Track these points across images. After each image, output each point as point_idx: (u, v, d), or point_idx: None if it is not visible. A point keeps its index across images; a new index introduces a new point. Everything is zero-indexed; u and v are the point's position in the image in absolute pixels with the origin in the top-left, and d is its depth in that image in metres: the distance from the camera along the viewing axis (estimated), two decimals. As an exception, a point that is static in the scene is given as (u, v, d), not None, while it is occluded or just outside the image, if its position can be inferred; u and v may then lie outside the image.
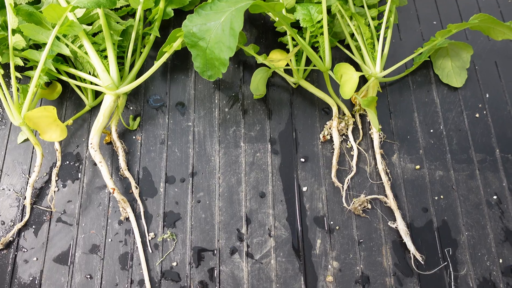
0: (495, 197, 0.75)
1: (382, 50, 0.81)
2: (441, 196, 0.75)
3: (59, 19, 0.65)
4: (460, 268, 0.69)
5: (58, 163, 0.72)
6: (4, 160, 0.76)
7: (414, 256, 0.69)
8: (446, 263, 0.70)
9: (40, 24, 0.70)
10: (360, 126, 0.80)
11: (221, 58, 0.62)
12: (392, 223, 0.71)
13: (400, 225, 0.71)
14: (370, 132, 0.79)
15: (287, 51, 0.84)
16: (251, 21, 0.91)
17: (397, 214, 0.71)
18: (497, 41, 0.90)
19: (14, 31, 0.68)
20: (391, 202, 0.72)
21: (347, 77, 0.74)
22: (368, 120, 0.80)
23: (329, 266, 0.69)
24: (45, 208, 0.72)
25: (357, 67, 0.85)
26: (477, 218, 0.73)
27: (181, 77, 0.85)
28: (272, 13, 0.67)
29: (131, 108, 0.81)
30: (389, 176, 0.76)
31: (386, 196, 0.73)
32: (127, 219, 0.71)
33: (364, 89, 0.80)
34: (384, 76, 0.81)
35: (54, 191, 0.72)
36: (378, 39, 0.81)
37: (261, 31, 0.90)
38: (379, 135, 0.78)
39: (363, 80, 0.85)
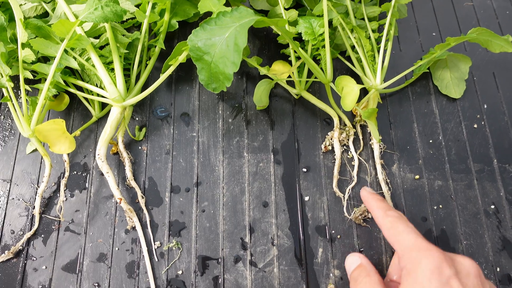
0: (492, 206, 0.77)
1: (383, 62, 0.83)
2: (440, 206, 0.76)
3: (68, 33, 0.67)
4: (459, 276, 0.71)
5: (67, 174, 0.73)
6: (13, 170, 0.78)
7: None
8: (444, 271, 0.71)
9: (49, 37, 0.72)
10: (361, 137, 0.81)
11: (225, 73, 0.64)
12: None
13: None
14: (370, 142, 0.81)
15: (290, 62, 0.86)
16: (254, 32, 0.93)
17: None
18: (494, 53, 0.91)
19: (23, 45, 0.70)
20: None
21: (348, 89, 0.76)
22: (368, 131, 0.82)
23: (331, 275, 0.71)
24: (54, 218, 0.74)
25: (358, 79, 0.86)
26: (475, 227, 0.75)
27: (185, 88, 0.86)
28: (275, 28, 0.69)
29: (137, 118, 0.83)
30: (389, 186, 0.78)
31: None
32: (134, 228, 0.73)
33: (365, 100, 0.82)
34: (384, 88, 0.82)
35: (63, 201, 0.73)
36: (378, 52, 0.83)
37: (264, 42, 0.92)
38: (380, 146, 0.80)
39: (363, 91, 0.87)
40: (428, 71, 0.88)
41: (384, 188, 0.76)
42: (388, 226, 0.61)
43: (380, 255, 0.72)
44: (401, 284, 0.55)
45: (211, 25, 0.65)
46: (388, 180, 0.78)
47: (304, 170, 0.79)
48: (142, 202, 0.74)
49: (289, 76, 0.83)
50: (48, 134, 0.66)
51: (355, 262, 0.66)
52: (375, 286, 0.59)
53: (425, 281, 0.52)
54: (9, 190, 0.76)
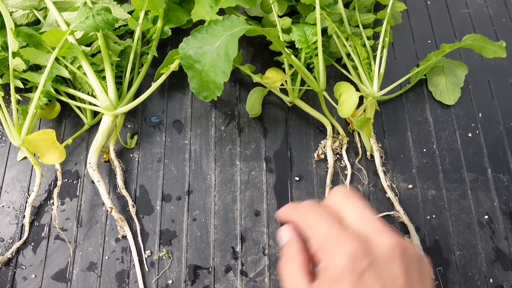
0: (486, 216, 0.76)
1: (379, 70, 0.82)
2: (433, 216, 0.76)
3: (58, 42, 0.67)
4: (451, 287, 0.71)
5: (59, 183, 0.73)
6: (4, 177, 0.77)
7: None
8: (437, 282, 0.71)
9: (40, 45, 0.72)
10: (359, 145, 0.81)
11: (216, 82, 0.64)
12: (408, 237, 0.73)
13: (414, 239, 0.72)
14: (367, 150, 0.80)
15: (283, 69, 0.85)
16: (247, 39, 0.93)
17: (411, 229, 0.73)
18: (490, 61, 0.91)
19: (14, 54, 0.70)
20: (403, 216, 0.74)
21: (346, 96, 0.75)
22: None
23: (322, 285, 0.71)
24: (61, 231, 0.73)
25: (354, 86, 0.86)
26: (468, 237, 0.74)
27: (178, 95, 0.86)
28: (267, 37, 0.68)
29: (129, 126, 0.83)
30: (396, 191, 0.77)
31: (390, 213, 0.76)
32: (124, 237, 0.72)
33: (362, 108, 0.81)
34: (381, 95, 0.82)
35: (54, 209, 0.73)
36: (374, 59, 0.82)
37: (258, 49, 0.92)
38: (380, 153, 0.79)
39: (359, 98, 0.86)
40: (424, 77, 0.87)
41: (391, 195, 0.75)
42: (300, 222, 0.50)
43: (372, 266, 0.72)
44: (316, 280, 0.47)
45: (202, 34, 0.65)
46: (394, 185, 0.78)
47: (297, 178, 0.79)
48: (132, 211, 0.73)
49: (283, 84, 0.83)
50: (37, 144, 0.65)
51: (284, 237, 0.54)
52: (295, 271, 0.49)
53: (337, 279, 0.44)
54: None
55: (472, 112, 0.85)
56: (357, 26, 0.85)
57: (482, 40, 0.79)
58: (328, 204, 0.51)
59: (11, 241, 0.73)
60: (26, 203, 0.74)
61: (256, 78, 0.80)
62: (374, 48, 0.85)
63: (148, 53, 0.83)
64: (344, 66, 0.87)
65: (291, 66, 0.82)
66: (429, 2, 0.99)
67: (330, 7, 0.83)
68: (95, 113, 0.82)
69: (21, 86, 0.72)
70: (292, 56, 0.77)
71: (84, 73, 0.73)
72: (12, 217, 0.74)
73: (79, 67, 0.74)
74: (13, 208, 0.75)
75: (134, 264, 0.71)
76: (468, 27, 0.96)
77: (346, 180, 0.78)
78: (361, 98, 0.85)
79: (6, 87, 0.83)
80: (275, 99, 0.86)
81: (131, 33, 0.90)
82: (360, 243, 0.45)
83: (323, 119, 0.81)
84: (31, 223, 0.74)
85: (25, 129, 0.69)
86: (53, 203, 0.74)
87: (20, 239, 0.72)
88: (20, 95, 0.76)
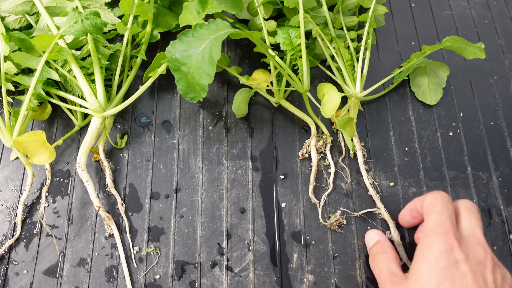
0: (465, 213, 0.78)
1: (362, 71, 0.84)
2: (414, 212, 0.78)
3: (48, 47, 0.69)
4: (430, 282, 0.73)
5: (48, 182, 0.76)
6: (-3, 176, 0.80)
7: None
8: (417, 277, 0.73)
9: (32, 49, 0.74)
10: (342, 144, 0.83)
11: (201, 84, 0.66)
12: (389, 233, 0.75)
13: (394, 235, 0.74)
14: (350, 149, 0.82)
15: (270, 71, 0.88)
16: (235, 41, 0.95)
17: (391, 225, 0.75)
18: (472, 62, 0.93)
19: (5, 58, 0.72)
20: (384, 213, 0.76)
21: (329, 97, 0.77)
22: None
23: (305, 279, 0.73)
24: (49, 230, 0.76)
25: (338, 87, 0.88)
26: (447, 233, 0.77)
27: (167, 96, 0.88)
28: (251, 39, 0.70)
29: (119, 126, 0.85)
30: (378, 189, 0.79)
31: (372, 210, 0.78)
32: (112, 235, 0.75)
33: (345, 108, 0.84)
34: (364, 96, 0.84)
35: (44, 207, 0.75)
36: (357, 60, 0.84)
37: (245, 51, 0.94)
38: (363, 151, 0.81)
39: (343, 99, 0.88)
40: (406, 78, 0.90)
41: (373, 192, 0.77)
42: (427, 202, 0.65)
43: (353, 261, 0.74)
44: (413, 259, 0.61)
45: (188, 37, 0.67)
46: (376, 183, 0.80)
47: (282, 177, 0.81)
48: (121, 209, 0.76)
49: (269, 85, 0.85)
50: (28, 145, 0.68)
51: (374, 239, 0.71)
52: (390, 263, 0.65)
53: (433, 260, 0.56)
54: (-6, 197, 0.78)
55: (453, 112, 0.88)
56: (342, 28, 0.88)
57: (462, 42, 0.81)
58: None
59: (4, 238, 0.75)
60: (18, 201, 0.77)
61: (242, 80, 0.83)
62: (358, 50, 0.87)
63: (137, 56, 0.85)
64: (329, 68, 0.90)
65: (276, 67, 0.85)
66: (413, 5, 1.01)
67: (314, 10, 0.86)
68: (85, 115, 0.84)
69: (13, 89, 0.74)
70: (276, 58, 0.80)
71: (74, 76, 0.76)
72: (5, 215, 0.77)
73: (70, 71, 0.77)
74: (6, 206, 0.78)
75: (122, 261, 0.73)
76: (451, 28, 0.98)
77: (329, 178, 0.80)
78: (345, 99, 0.88)
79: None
80: (262, 100, 0.88)
81: (122, 36, 0.92)
82: (462, 241, 0.58)
83: (308, 119, 0.83)
84: (24, 221, 0.76)
85: (16, 130, 0.72)
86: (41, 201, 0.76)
87: (12, 236, 0.75)
88: (12, 98, 0.78)
